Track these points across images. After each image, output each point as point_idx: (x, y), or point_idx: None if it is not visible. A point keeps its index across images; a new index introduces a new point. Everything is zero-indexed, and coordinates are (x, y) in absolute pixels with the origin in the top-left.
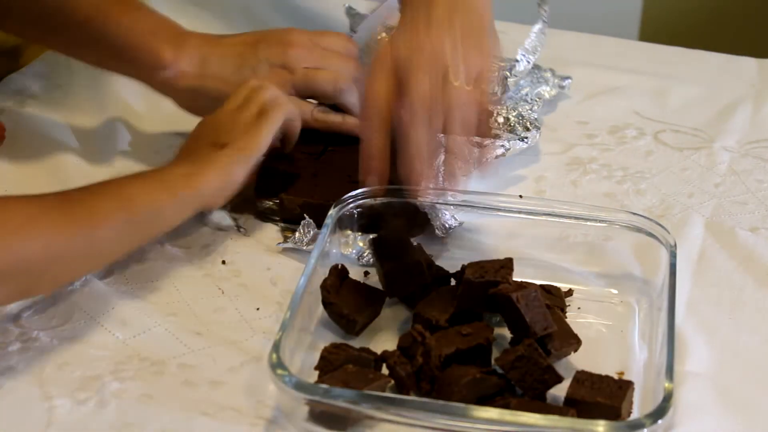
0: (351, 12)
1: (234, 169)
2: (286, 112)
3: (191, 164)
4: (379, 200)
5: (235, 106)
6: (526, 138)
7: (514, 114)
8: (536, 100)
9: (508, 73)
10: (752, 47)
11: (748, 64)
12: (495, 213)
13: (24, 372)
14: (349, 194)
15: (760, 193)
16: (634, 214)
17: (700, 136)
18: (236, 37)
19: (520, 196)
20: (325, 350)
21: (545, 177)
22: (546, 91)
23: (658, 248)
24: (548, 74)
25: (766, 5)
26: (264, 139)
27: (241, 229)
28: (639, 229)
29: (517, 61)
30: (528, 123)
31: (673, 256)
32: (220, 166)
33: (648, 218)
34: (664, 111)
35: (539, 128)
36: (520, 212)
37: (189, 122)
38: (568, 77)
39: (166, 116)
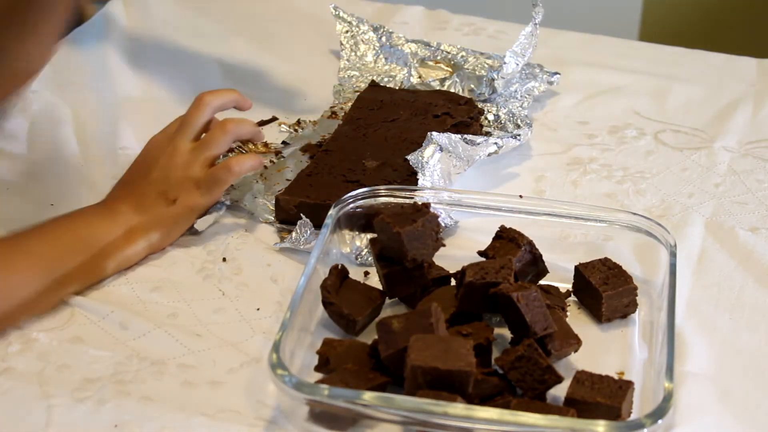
0: (337, 13)
1: (180, 228)
2: (239, 169)
3: (136, 212)
4: (379, 200)
5: (188, 144)
6: (519, 135)
7: (504, 111)
8: (526, 97)
9: (496, 76)
10: (752, 47)
11: (748, 64)
12: (495, 213)
13: (24, 373)
14: (349, 194)
15: (760, 193)
16: (634, 214)
17: (700, 136)
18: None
19: (521, 196)
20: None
21: (545, 177)
22: (535, 87)
23: (658, 248)
24: (537, 70)
25: (766, 5)
26: (213, 199)
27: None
28: (639, 229)
29: (505, 62)
30: (519, 120)
31: (673, 256)
32: (167, 224)
33: (648, 218)
34: (664, 111)
35: (530, 125)
36: (520, 212)
37: None
38: (556, 73)
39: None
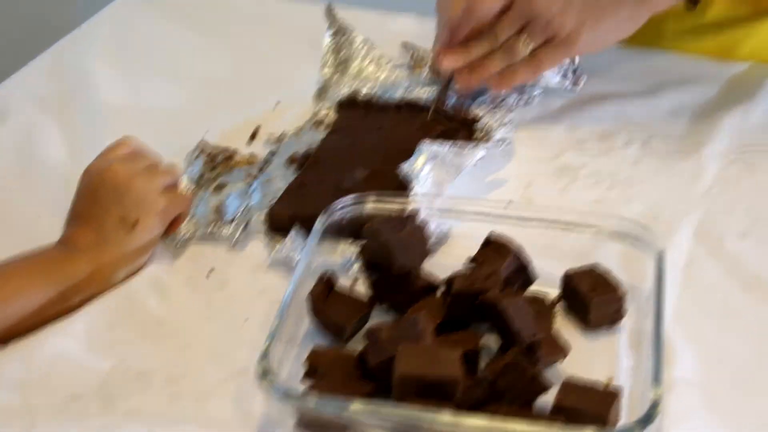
0: (330, 12)
1: (148, 252)
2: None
3: (98, 243)
4: (367, 208)
5: (138, 168)
6: (507, 140)
7: (490, 116)
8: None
9: None
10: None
11: (736, 70)
12: (484, 219)
13: (6, 385)
14: (337, 202)
15: (748, 199)
16: (623, 220)
17: (688, 142)
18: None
19: (509, 203)
20: (310, 355)
21: (534, 183)
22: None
23: (646, 255)
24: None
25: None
26: (170, 217)
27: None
28: (627, 236)
29: None
30: (505, 124)
31: (660, 262)
32: (133, 253)
33: (636, 225)
34: (653, 118)
35: (516, 127)
36: (508, 219)
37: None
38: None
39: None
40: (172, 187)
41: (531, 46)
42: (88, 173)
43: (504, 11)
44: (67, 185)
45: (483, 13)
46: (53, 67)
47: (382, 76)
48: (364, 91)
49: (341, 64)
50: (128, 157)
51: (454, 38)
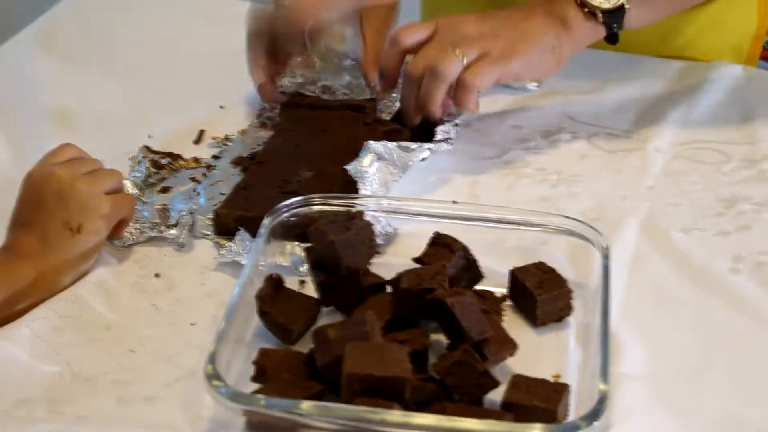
0: None
1: (93, 257)
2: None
3: (42, 248)
4: (313, 209)
5: (81, 172)
6: (451, 139)
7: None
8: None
9: None
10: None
11: (679, 66)
12: (429, 219)
13: None
14: (283, 203)
15: (692, 194)
16: (568, 217)
17: (633, 138)
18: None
19: (454, 202)
20: (258, 357)
21: (479, 182)
22: None
23: (592, 251)
24: None
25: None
26: (114, 220)
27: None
28: (572, 233)
29: None
30: (450, 123)
31: (606, 258)
32: (78, 258)
33: (581, 221)
34: (597, 114)
35: (458, 125)
36: (454, 218)
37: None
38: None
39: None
40: (116, 191)
41: (465, 59)
42: (30, 178)
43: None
44: (9, 190)
45: (407, 42)
46: None
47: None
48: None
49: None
50: (70, 162)
51: (385, 72)
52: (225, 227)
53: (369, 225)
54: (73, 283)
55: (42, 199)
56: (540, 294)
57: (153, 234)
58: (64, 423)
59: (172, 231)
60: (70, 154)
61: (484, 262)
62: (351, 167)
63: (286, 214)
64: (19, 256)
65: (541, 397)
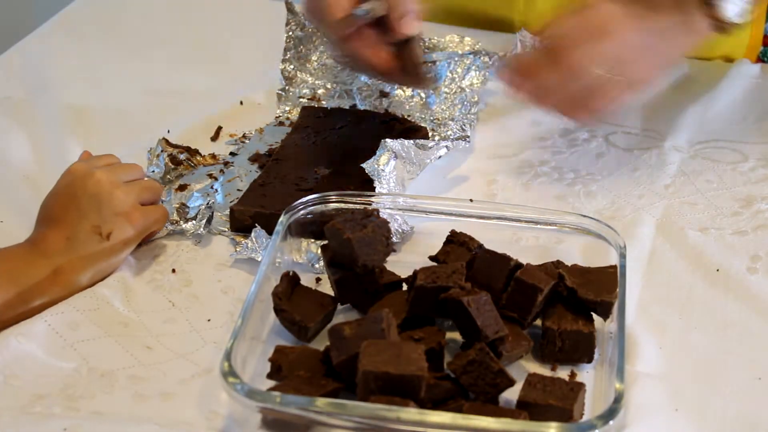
0: (290, 7)
1: (117, 264)
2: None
3: (67, 248)
4: (330, 206)
5: (120, 180)
6: (468, 137)
7: (451, 112)
8: (472, 95)
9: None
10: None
11: (697, 65)
12: (446, 217)
13: None
14: (300, 201)
15: (709, 193)
16: (584, 216)
17: (650, 136)
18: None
19: (471, 200)
20: (274, 354)
21: (496, 180)
22: (475, 77)
23: (608, 250)
24: (469, 60)
25: None
26: (144, 233)
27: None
28: (589, 232)
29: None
30: (466, 120)
31: (622, 257)
32: (101, 261)
33: (597, 220)
34: (614, 113)
35: (473, 123)
36: (471, 216)
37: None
38: (494, 54)
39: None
40: (152, 202)
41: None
42: (70, 174)
43: None
44: (28, 185)
45: None
46: (13, 68)
47: (341, 73)
48: (320, 91)
49: (301, 59)
50: (112, 168)
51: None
52: (241, 224)
53: (385, 223)
54: (91, 284)
55: (76, 197)
56: None
57: (170, 229)
58: (81, 419)
59: (189, 226)
60: (114, 159)
61: None
62: (368, 165)
63: (302, 212)
64: (42, 252)
65: (557, 396)
